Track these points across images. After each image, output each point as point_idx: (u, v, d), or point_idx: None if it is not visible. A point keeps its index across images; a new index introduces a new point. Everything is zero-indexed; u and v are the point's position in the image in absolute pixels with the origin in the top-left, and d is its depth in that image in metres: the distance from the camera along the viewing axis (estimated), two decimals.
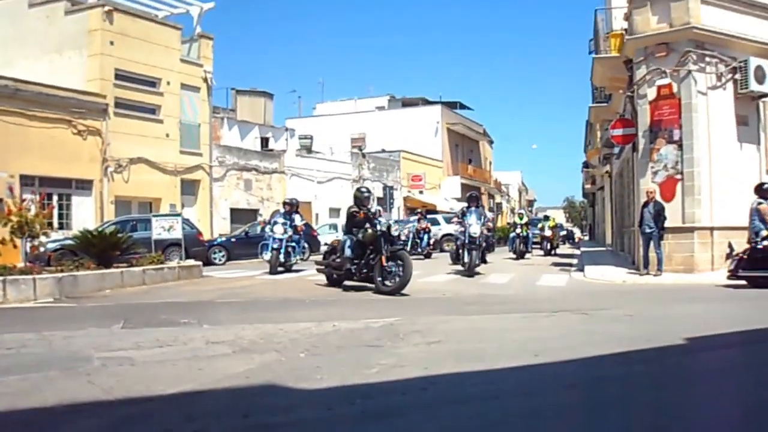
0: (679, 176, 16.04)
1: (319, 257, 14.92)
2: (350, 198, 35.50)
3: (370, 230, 11.98)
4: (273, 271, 16.03)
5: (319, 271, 13.62)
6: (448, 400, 4.43)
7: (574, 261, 23.48)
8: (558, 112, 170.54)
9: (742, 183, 16.36)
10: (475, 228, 16.41)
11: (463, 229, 16.80)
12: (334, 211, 36.92)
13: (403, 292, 11.38)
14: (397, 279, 11.48)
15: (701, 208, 15.78)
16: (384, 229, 11.89)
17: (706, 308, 9.65)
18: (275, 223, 17.03)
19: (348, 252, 12.14)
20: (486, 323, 8.11)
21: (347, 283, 12.50)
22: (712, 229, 15.85)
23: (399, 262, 11.58)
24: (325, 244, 17.87)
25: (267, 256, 16.57)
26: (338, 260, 12.60)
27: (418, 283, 13.57)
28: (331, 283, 13.00)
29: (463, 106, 58.75)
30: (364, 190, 12.95)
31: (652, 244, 15.22)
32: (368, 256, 11.97)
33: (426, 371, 5.16)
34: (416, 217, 27.27)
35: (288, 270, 16.66)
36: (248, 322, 7.81)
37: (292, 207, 17.44)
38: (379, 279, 11.60)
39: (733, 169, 16.34)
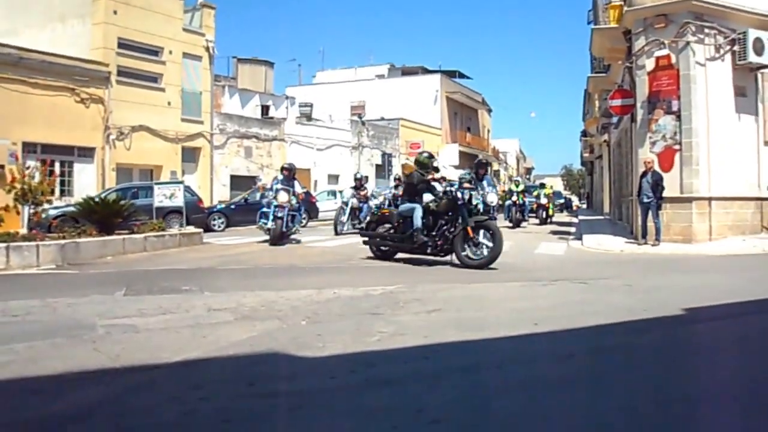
0: (677, 146, 16.08)
1: (318, 224, 14.94)
2: (349, 165, 35.30)
3: (444, 198, 11.01)
4: (275, 242, 15.12)
5: (366, 243, 12.26)
6: (449, 369, 4.51)
7: (572, 230, 23.59)
8: (556, 81, 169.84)
9: (739, 154, 16.48)
10: (491, 197, 16.21)
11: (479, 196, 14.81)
12: (333, 178, 37.02)
13: (492, 266, 10.43)
14: (486, 251, 10.49)
15: (699, 178, 15.83)
16: (465, 196, 10.89)
17: (704, 279, 9.72)
18: (278, 190, 15.64)
19: (418, 222, 10.96)
20: (485, 291, 8.17)
21: (401, 255, 11.72)
22: (710, 199, 15.93)
23: (488, 232, 10.59)
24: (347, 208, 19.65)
25: (270, 224, 15.44)
26: (394, 231, 11.52)
27: None
28: (380, 256, 11.84)
29: (462, 75, 58.53)
30: (427, 154, 12.17)
31: (650, 213, 15.29)
32: (443, 226, 11.02)
33: (426, 339, 5.25)
34: (394, 183, 24.02)
35: (287, 238, 15.99)
36: (249, 290, 7.88)
37: (290, 172, 16.30)
38: (464, 252, 10.64)
39: (731, 139, 16.41)
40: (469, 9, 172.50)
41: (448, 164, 48.88)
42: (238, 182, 31.11)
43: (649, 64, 16.40)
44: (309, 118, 38.56)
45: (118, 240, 12.77)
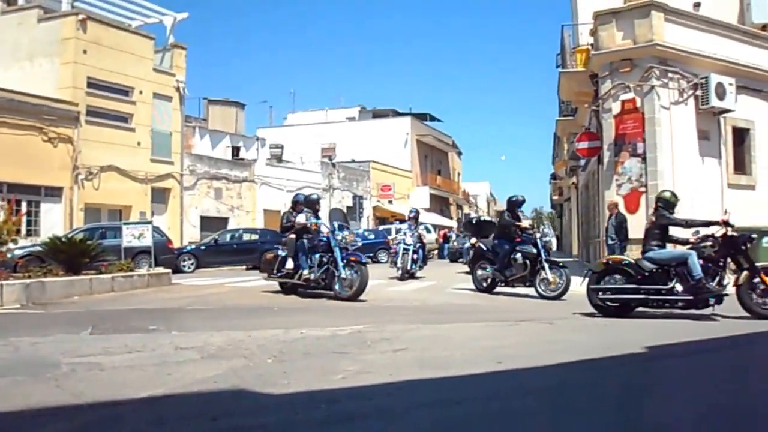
0: (643, 189, 16.42)
1: None
2: (321, 208, 35.27)
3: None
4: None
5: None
6: (411, 406, 4.55)
7: None
8: (527, 124, 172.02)
9: (704, 196, 16.78)
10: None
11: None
12: None
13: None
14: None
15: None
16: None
17: (668, 318, 9.84)
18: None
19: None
20: (451, 332, 8.23)
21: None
22: (675, 241, 16.14)
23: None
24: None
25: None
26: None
27: (386, 292, 13.84)
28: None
29: (432, 118, 59.32)
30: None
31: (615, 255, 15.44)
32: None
33: (391, 377, 5.28)
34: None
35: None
36: (217, 329, 7.85)
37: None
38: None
39: (696, 182, 16.76)
40: (440, 52, 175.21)
41: (420, 207, 49.18)
42: (208, 223, 31.04)
43: (615, 107, 16.81)
44: (279, 159, 38.70)
45: (85, 280, 12.62)
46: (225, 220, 32.37)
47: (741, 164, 18.14)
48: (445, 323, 9.03)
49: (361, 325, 8.27)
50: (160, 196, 28.87)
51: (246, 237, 26.81)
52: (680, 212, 16.13)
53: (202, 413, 4.25)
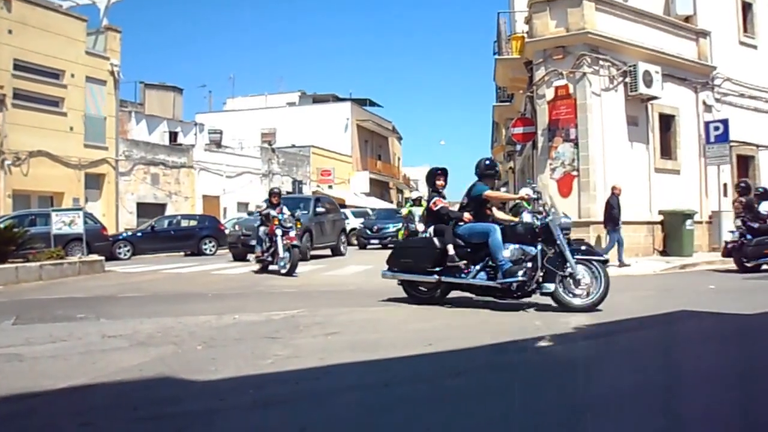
0: (575, 173, 16.75)
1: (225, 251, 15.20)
2: (259, 192, 34.56)
3: None
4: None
5: None
6: (339, 389, 4.59)
7: None
8: (466, 109, 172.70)
9: (633, 180, 17.24)
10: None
11: None
12: (242, 206, 36.58)
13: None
14: None
15: (596, 203, 16.48)
16: None
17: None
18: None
19: None
20: (384, 315, 8.27)
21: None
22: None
23: None
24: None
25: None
26: None
27: (323, 277, 13.87)
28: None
29: (372, 103, 59.27)
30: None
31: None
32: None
33: (321, 361, 5.31)
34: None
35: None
36: (147, 316, 7.76)
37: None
38: None
39: (625, 166, 17.19)
40: (380, 38, 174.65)
41: (360, 191, 49.30)
42: (145, 209, 30.45)
43: (549, 93, 17.07)
44: (218, 144, 38.19)
45: (10, 269, 12.22)
46: (162, 206, 31.82)
47: (667, 149, 18.65)
48: (378, 306, 9.04)
49: (295, 310, 8.27)
50: (94, 182, 28.20)
51: (184, 223, 26.43)
52: (606, 194, 16.67)
53: (124, 403, 4.21)
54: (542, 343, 6.24)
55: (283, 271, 13.51)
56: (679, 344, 6.51)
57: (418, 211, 18.70)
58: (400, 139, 67.56)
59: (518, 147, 24.95)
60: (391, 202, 56.52)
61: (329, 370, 5.09)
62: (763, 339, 6.79)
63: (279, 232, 13.80)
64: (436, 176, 9.82)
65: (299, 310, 8.32)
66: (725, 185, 19.58)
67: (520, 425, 3.83)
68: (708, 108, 19.45)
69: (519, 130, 19.12)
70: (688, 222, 17.35)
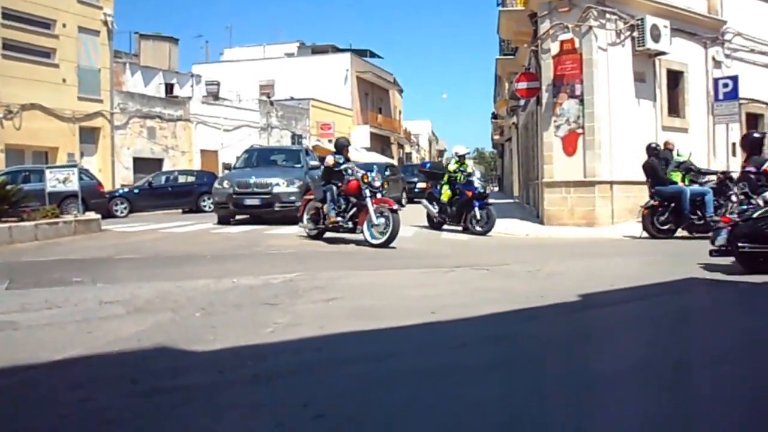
0: (580, 131, 16.45)
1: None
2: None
3: None
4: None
5: None
6: (340, 361, 4.46)
7: None
8: (469, 62, 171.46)
9: (639, 138, 16.91)
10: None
11: None
12: None
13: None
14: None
15: (601, 162, 16.24)
16: None
17: (602, 263, 9.93)
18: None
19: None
20: (386, 279, 8.19)
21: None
22: (611, 183, 16.36)
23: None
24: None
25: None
26: None
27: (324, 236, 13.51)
28: None
29: (373, 54, 58.44)
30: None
31: None
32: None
33: (321, 330, 5.19)
34: None
35: None
36: (145, 280, 7.63)
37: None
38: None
39: (631, 124, 16.87)
40: None
41: (360, 146, 48.90)
42: (141, 165, 30.20)
43: (554, 47, 16.69)
44: (216, 97, 37.75)
45: (3, 228, 11.92)
46: (159, 161, 31.57)
47: (675, 107, 18.29)
48: (380, 269, 8.96)
49: (294, 273, 8.14)
50: (89, 137, 27.90)
51: (182, 179, 26.24)
52: (615, 156, 16.44)
53: (122, 375, 4.07)
54: (547, 314, 6.12)
55: (376, 241, 11.38)
56: (688, 315, 6.36)
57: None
58: (401, 91, 66.87)
59: (522, 102, 24.62)
60: (392, 157, 56.20)
61: (330, 339, 4.97)
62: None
63: (368, 192, 11.57)
64: None
65: (298, 273, 8.19)
66: (734, 144, 19.26)
67: (523, 403, 3.72)
68: (717, 64, 19.01)
69: (523, 85, 18.74)
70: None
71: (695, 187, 13.28)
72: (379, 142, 54.90)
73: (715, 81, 18.44)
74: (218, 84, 38.80)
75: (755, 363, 4.54)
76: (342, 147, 12.70)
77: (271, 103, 41.15)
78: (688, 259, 9.52)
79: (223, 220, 16.61)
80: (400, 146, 64.82)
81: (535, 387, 4.02)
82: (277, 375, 4.12)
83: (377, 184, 11.82)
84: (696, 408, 3.69)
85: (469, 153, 17.79)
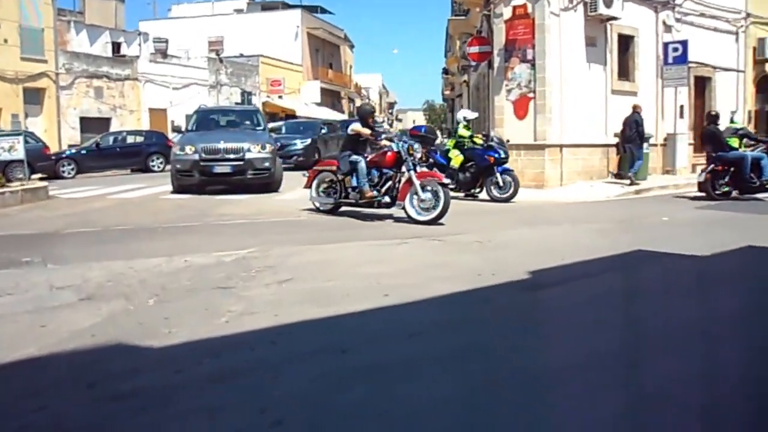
0: (531, 95, 16.64)
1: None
2: (207, 104, 34.03)
3: None
4: None
5: None
6: (295, 356, 4.48)
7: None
8: (419, 17, 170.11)
9: (589, 102, 17.19)
10: None
11: None
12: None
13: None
14: None
15: (552, 126, 16.46)
16: None
17: (553, 232, 10.10)
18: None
19: None
20: (339, 254, 8.19)
21: None
22: (561, 146, 16.60)
23: None
24: None
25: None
26: None
27: (273, 203, 13.48)
28: None
29: (323, 11, 57.88)
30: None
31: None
32: None
33: (276, 319, 5.21)
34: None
35: None
36: (96, 259, 7.52)
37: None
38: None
39: (582, 88, 17.09)
40: None
41: (310, 101, 48.54)
42: (88, 125, 29.66)
43: (507, 12, 16.76)
44: (164, 54, 36.95)
45: None
46: (107, 120, 30.99)
47: (625, 71, 18.57)
48: (332, 242, 8.96)
49: (246, 249, 8.10)
50: (33, 97, 27.22)
51: (130, 139, 25.91)
52: (566, 119, 16.65)
53: (79, 378, 4.04)
54: (499, 294, 6.22)
55: (423, 217, 10.43)
56: (637, 295, 6.48)
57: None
58: (352, 47, 66.43)
59: (473, 63, 24.65)
60: (343, 112, 55.94)
61: (284, 330, 4.99)
62: (721, 287, 6.88)
63: (410, 164, 10.60)
64: None
65: (250, 249, 8.14)
66: (682, 107, 19.65)
67: (479, 403, 3.77)
68: (668, 28, 19.29)
69: (475, 49, 18.79)
70: (644, 145, 17.44)
71: (754, 152, 14.17)
72: (330, 97, 54.56)
73: (665, 45, 18.74)
74: (166, 41, 37.95)
75: (703, 348, 4.74)
76: (366, 114, 11.69)
77: (221, 61, 40.48)
78: (633, 226, 9.76)
79: (182, 190, 15.01)
80: (351, 100, 64.53)
81: (491, 383, 4.07)
82: (234, 374, 4.13)
83: (418, 155, 11.08)
84: (647, 402, 3.79)
85: (477, 117, 17.02)
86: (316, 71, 52.37)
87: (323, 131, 26.20)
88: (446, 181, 10.82)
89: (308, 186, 11.77)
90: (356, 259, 7.87)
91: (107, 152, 24.45)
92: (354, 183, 11.12)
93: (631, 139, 16.48)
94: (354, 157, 11.08)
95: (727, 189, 13.84)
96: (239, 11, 53.42)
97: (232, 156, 14.59)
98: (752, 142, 14.92)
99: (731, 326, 5.35)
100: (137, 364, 4.32)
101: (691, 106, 20.47)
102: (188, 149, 14.74)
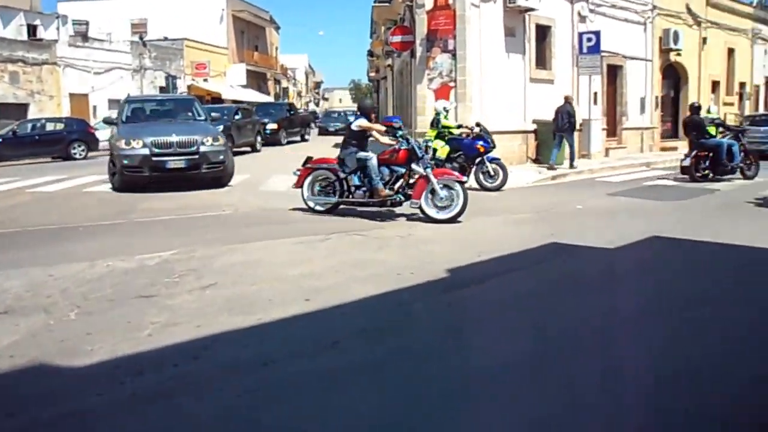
0: (452, 84, 16.97)
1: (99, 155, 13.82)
2: (130, 89, 33.10)
3: None
4: None
5: None
6: (219, 371, 4.54)
7: None
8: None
9: (509, 90, 17.63)
10: None
11: None
12: (114, 103, 34.91)
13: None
14: None
15: (472, 113, 16.84)
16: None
17: (471, 226, 10.20)
18: None
19: None
20: (263, 254, 8.21)
21: None
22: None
23: None
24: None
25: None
26: None
27: (196, 196, 13.27)
28: None
29: None
30: None
31: None
32: None
33: (198, 331, 5.28)
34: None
35: None
36: (15, 266, 7.43)
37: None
38: None
39: (502, 77, 17.51)
40: None
41: (236, 84, 48.02)
42: (5, 111, 28.65)
43: (428, 3, 17.06)
44: (85, 37, 35.89)
45: None
46: (25, 106, 30.04)
47: (542, 60, 19.11)
48: (255, 241, 8.96)
49: (169, 251, 8.09)
50: None
51: (50, 127, 25.26)
52: (486, 107, 17.04)
53: None
54: (418, 297, 6.41)
55: (442, 215, 10.26)
56: (549, 294, 6.71)
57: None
58: (277, 28, 65.78)
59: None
60: (269, 93, 55.49)
61: (207, 343, 5.06)
62: (626, 282, 7.25)
63: (426, 162, 10.56)
64: None
65: (174, 251, 8.14)
66: (596, 94, 20.32)
67: (396, 419, 3.91)
68: (582, 19, 19.94)
69: (397, 38, 19.00)
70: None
71: (728, 140, 15.69)
72: (256, 79, 54.07)
73: (580, 35, 19.28)
74: (87, 24, 36.82)
75: (611, 348, 5.06)
76: (369, 109, 11.51)
77: (144, 44, 39.58)
78: (549, 216, 10.12)
79: (125, 188, 13.87)
80: (277, 82, 64.13)
81: (408, 395, 4.21)
82: (157, 394, 4.18)
83: (430, 154, 11.11)
84: (559, 410, 4.02)
85: (454, 105, 16.81)
86: (241, 54, 51.77)
87: (237, 117, 25.52)
88: (464, 178, 10.92)
89: (299, 185, 11.24)
90: (280, 260, 7.92)
91: (25, 140, 23.79)
92: (356, 181, 10.81)
93: (564, 128, 17.02)
94: (362, 154, 10.69)
95: (706, 172, 15.41)
96: None
97: (185, 150, 13.74)
98: (724, 131, 16.38)
99: (635, 324, 5.72)
100: (58, 387, 4.33)
101: (603, 93, 21.28)
102: (135, 143, 13.62)
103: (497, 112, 17.24)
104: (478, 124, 14.43)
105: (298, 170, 11.28)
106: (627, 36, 22.13)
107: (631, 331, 5.51)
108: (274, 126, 29.12)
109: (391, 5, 24.90)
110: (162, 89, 38.76)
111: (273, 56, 62.58)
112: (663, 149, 25.06)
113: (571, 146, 17.23)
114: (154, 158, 13.53)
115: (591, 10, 20.18)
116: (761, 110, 31.45)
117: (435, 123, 14.29)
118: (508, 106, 17.67)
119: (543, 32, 19.03)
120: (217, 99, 40.07)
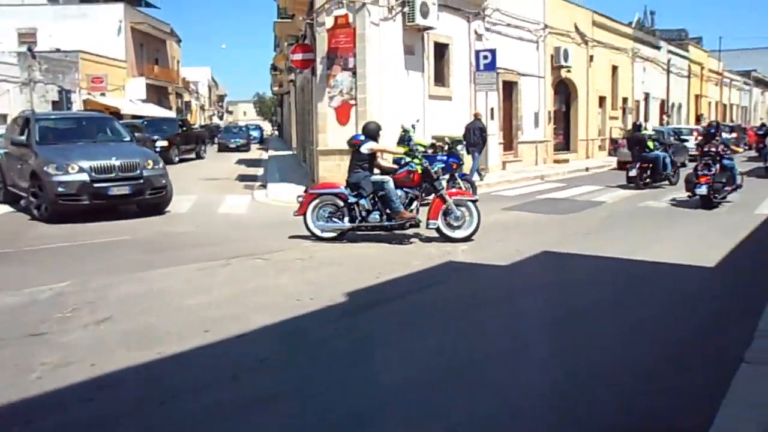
0: (353, 101, 17.10)
1: None
2: (19, 103, 31.82)
3: None
4: None
5: None
6: (113, 416, 4.43)
7: (260, 171, 24.08)
8: (249, 14, 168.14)
9: (408, 107, 17.90)
10: None
11: None
12: (1, 118, 33.50)
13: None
14: None
15: None
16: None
17: (370, 246, 10.32)
18: None
19: None
20: (162, 283, 8.06)
21: None
22: (383, 151, 17.09)
23: None
24: None
25: None
26: None
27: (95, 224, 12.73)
28: None
29: (148, 4, 55.89)
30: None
31: None
32: None
33: (93, 370, 5.12)
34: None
35: None
36: None
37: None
38: None
39: (402, 94, 17.76)
40: None
41: (136, 98, 46.87)
42: None
43: (329, 21, 17.11)
44: None
45: None
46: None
47: (441, 77, 19.53)
48: (155, 268, 8.77)
49: (63, 283, 7.84)
50: None
51: None
52: (386, 125, 17.20)
53: None
54: (317, 324, 6.44)
55: (460, 234, 10.42)
56: (448, 316, 6.83)
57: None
58: (179, 41, 64.65)
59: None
60: (170, 108, 54.41)
61: (103, 383, 4.92)
62: (521, 298, 7.52)
63: (441, 183, 10.77)
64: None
65: (67, 282, 7.88)
66: (492, 110, 20.90)
67: None
68: (479, 37, 20.53)
69: (298, 56, 19.01)
70: (459, 146, 18.34)
71: (663, 153, 18.18)
72: (156, 94, 52.86)
73: (477, 53, 19.84)
74: None
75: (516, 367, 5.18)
76: (376, 133, 11.08)
77: (33, 56, 38.10)
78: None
79: (62, 218, 12.52)
80: (179, 95, 62.91)
81: (311, 425, 4.28)
82: None
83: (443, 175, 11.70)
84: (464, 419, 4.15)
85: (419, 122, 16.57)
86: (141, 67, 50.50)
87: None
88: (475, 197, 11.20)
89: (302, 213, 10.72)
90: (179, 288, 7.81)
91: None
92: (367, 205, 10.57)
93: (476, 143, 17.76)
94: (378, 177, 10.60)
95: (648, 180, 17.77)
96: (54, 2, 50.31)
97: (128, 174, 12.92)
98: (659, 145, 18.59)
99: (529, 338, 6.02)
100: None
101: (500, 109, 21.94)
102: (71, 168, 12.49)
103: (398, 129, 17.43)
104: (459, 141, 15.89)
105: (301, 196, 10.90)
106: (521, 53, 23.11)
107: (526, 346, 5.82)
108: (164, 143, 28.23)
109: (293, 21, 24.91)
110: (55, 104, 37.40)
111: (174, 69, 61.38)
112: (556, 161, 26.27)
113: (475, 161, 17.86)
114: (95, 185, 12.57)
115: (487, 29, 20.82)
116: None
117: (406, 140, 13.88)
118: (407, 123, 17.92)
119: (441, 50, 19.44)
120: (116, 114, 38.96)
